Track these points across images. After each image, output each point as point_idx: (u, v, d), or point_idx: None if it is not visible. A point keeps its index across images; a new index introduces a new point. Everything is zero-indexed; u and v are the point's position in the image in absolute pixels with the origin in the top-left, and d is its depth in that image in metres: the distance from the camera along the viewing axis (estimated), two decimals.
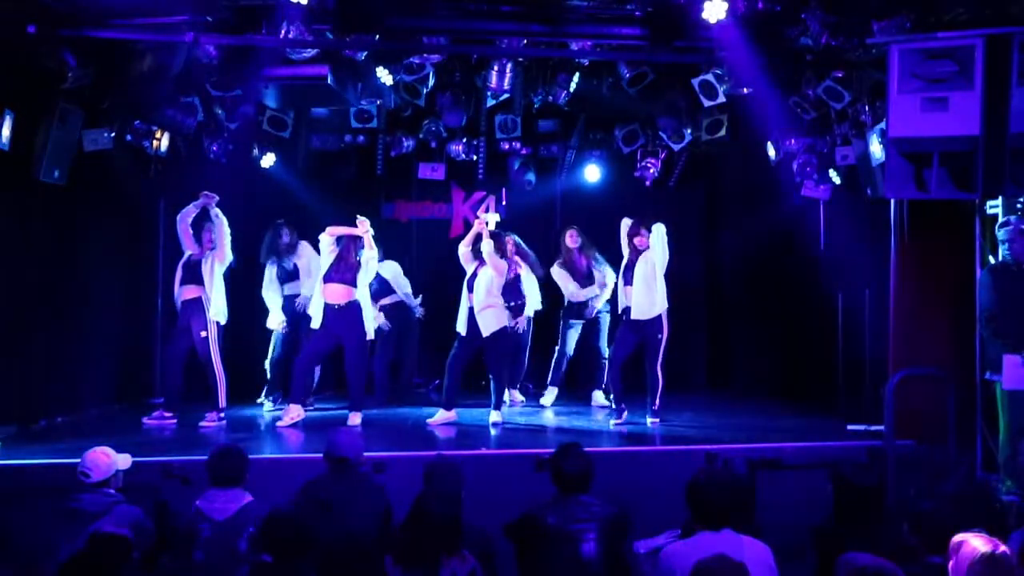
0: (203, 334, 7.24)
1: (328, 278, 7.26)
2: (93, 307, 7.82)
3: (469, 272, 7.52)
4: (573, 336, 8.42)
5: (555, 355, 8.45)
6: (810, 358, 9.02)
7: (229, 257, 7.42)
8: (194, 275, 7.31)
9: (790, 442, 6.45)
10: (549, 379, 8.45)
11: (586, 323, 8.42)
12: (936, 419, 5.85)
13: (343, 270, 7.25)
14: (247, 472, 4.31)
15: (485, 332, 7.33)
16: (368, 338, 7.35)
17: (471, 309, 7.37)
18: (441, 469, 4.24)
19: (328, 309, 7.23)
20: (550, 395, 8.40)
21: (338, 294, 7.22)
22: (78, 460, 4.45)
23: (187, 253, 7.42)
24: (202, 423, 7.11)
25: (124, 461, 4.52)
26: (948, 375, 5.84)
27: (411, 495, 4.02)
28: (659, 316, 7.31)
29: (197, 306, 7.28)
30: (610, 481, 4.51)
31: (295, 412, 7.22)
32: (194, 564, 4.05)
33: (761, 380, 9.28)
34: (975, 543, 3.05)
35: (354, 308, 7.23)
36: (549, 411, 8.18)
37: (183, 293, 7.36)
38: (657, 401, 7.39)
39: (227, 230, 7.32)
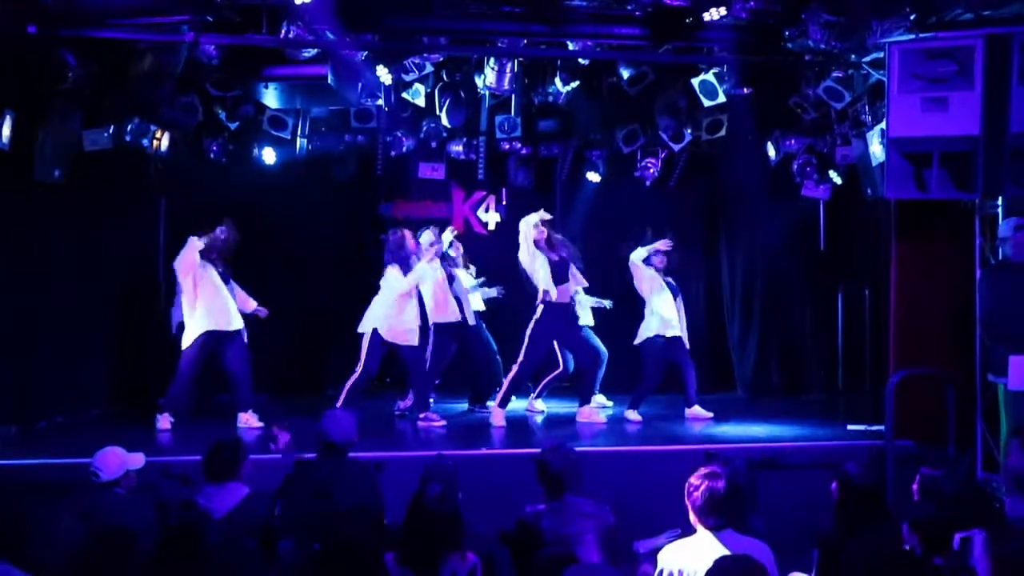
0: None
1: None
2: (93, 307, 7.80)
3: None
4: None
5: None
6: (810, 358, 9.02)
7: None
8: None
9: (790, 442, 6.47)
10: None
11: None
12: (936, 419, 5.85)
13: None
14: (241, 465, 4.27)
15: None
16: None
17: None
18: (431, 471, 4.22)
19: None
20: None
21: None
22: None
23: None
24: (240, 424, 7.01)
25: (136, 460, 4.46)
26: (948, 375, 5.84)
27: (409, 495, 4.02)
28: None
29: None
30: (610, 481, 4.52)
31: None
32: (197, 562, 4.03)
33: (761, 380, 9.27)
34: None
35: None
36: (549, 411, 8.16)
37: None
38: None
39: None
